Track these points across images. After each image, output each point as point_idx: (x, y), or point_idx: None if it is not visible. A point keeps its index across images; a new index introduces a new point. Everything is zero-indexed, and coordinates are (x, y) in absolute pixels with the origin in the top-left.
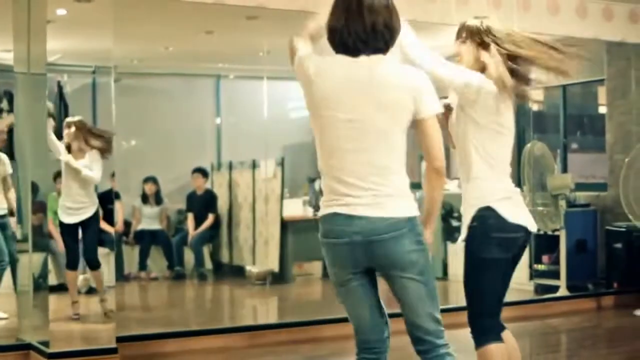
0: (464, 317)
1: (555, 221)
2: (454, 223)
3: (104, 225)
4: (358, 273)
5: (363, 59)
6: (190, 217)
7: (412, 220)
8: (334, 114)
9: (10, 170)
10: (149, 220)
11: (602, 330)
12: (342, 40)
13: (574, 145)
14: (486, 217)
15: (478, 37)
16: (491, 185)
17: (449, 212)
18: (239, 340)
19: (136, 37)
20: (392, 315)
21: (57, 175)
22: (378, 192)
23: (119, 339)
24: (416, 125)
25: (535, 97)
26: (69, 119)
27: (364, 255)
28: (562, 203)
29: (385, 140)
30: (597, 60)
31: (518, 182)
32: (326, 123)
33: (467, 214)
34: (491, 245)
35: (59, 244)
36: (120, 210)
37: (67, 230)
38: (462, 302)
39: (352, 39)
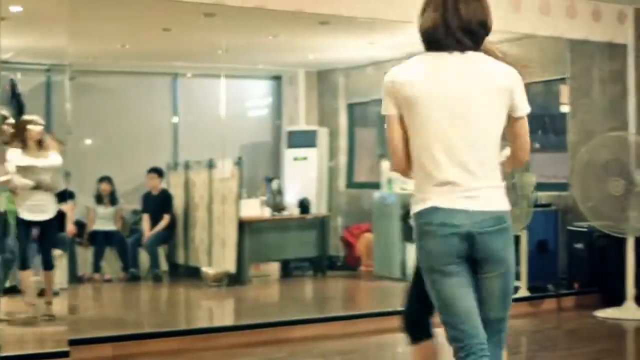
0: None
1: (523, 221)
2: None
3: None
4: None
5: (457, 54)
6: (146, 217)
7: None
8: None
9: None
10: (103, 220)
11: (562, 332)
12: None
13: (536, 145)
14: None
15: None
16: None
17: None
18: (195, 343)
19: (92, 35)
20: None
21: None
22: None
23: (72, 342)
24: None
25: None
26: (35, 118)
27: None
28: (526, 203)
29: None
30: (560, 58)
31: None
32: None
33: None
34: None
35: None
36: (70, 211)
37: (24, 228)
38: None
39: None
